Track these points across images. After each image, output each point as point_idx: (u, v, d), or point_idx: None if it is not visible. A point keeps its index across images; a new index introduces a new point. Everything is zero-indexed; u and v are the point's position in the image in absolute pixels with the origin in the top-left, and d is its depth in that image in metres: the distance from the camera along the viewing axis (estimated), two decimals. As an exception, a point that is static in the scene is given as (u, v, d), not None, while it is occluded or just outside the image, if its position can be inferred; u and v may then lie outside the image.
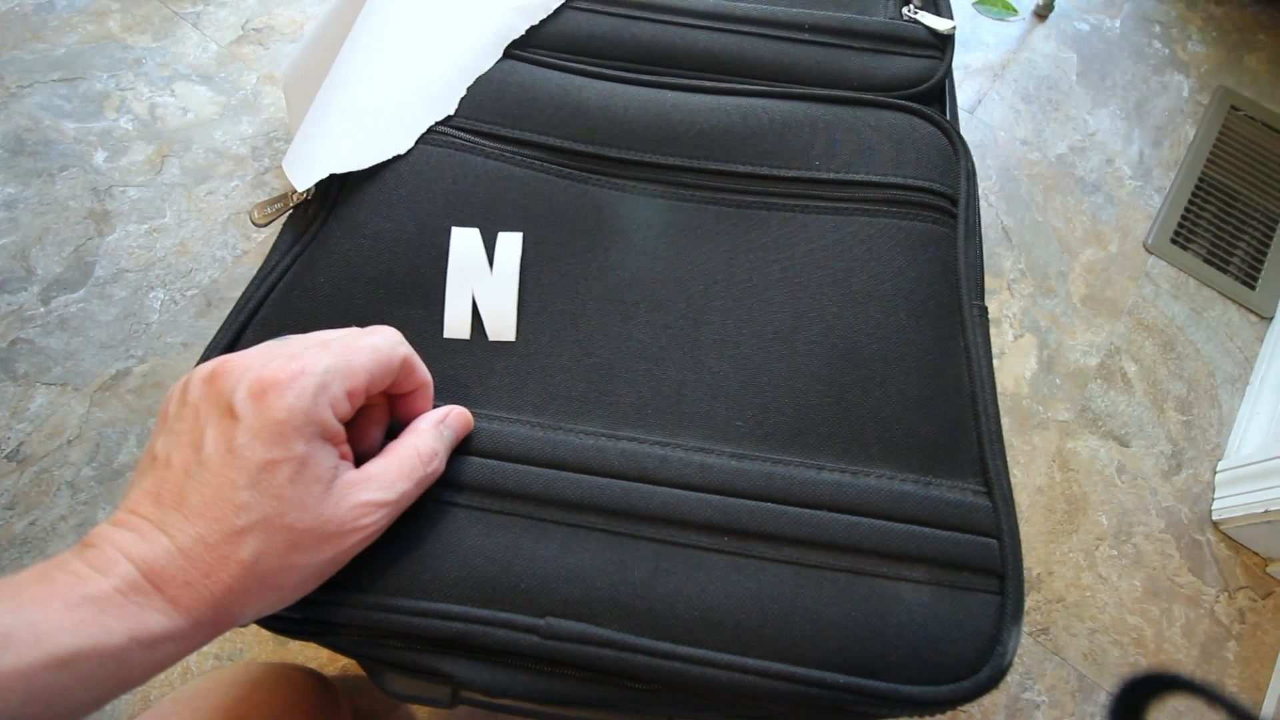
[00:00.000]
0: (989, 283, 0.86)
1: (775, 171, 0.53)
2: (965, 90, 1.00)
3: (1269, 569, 0.75)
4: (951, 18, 0.61)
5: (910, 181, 0.52)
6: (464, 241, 0.48)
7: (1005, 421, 0.79)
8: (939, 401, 0.45)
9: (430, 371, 0.41)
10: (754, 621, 0.37)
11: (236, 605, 0.24)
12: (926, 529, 0.40)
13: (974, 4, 1.09)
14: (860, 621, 0.37)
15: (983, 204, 0.92)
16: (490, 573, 0.38)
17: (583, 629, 0.37)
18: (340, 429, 0.29)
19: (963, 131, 0.96)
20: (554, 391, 0.45)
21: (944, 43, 0.60)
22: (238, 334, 0.45)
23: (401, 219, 0.48)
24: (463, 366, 0.45)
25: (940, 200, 0.52)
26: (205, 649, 0.66)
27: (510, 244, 0.49)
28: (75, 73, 0.91)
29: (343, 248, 0.48)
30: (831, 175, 0.53)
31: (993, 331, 0.83)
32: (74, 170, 0.84)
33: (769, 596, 0.38)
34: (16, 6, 0.95)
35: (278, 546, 0.25)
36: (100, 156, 0.85)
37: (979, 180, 0.90)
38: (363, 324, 0.46)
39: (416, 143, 0.51)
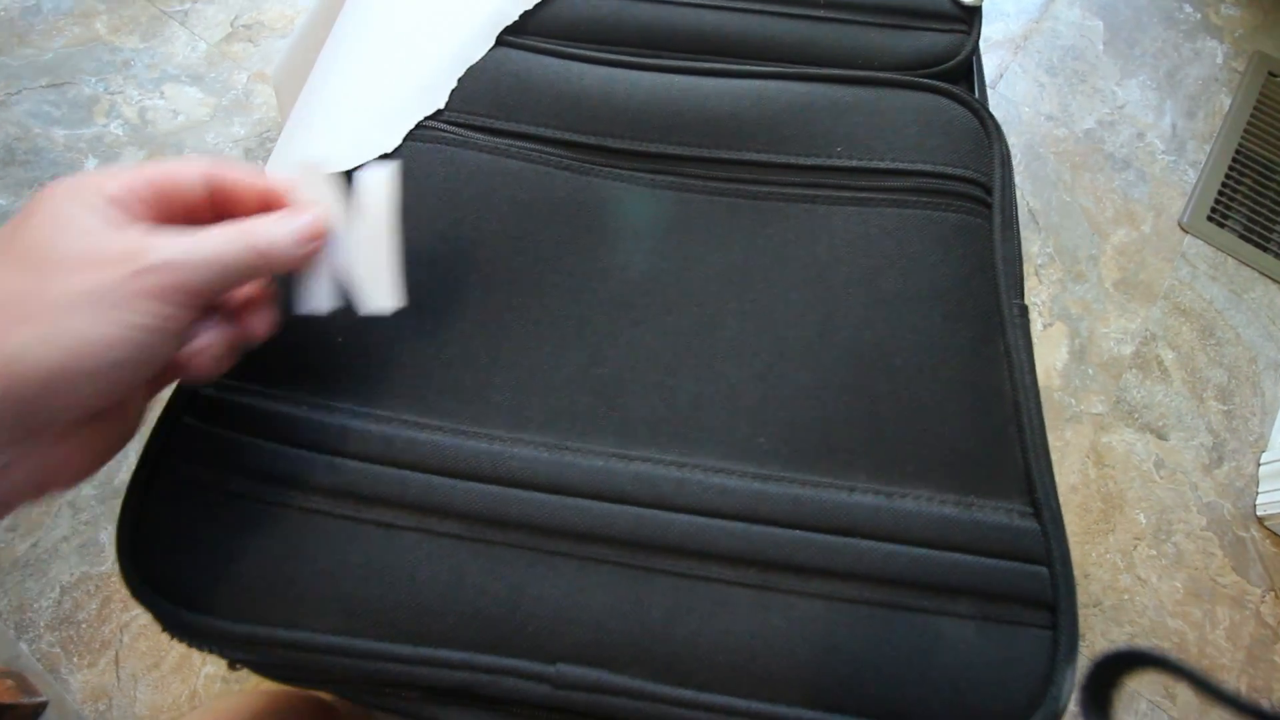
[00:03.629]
0: (1015, 269, 0.82)
1: (793, 160, 0.49)
2: (986, 64, 0.95)
3: (1319, 565, 0.71)
4: (977, -12, 0.57)
5: (940, 169, 0.48)
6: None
7: (1036, 416, 0.75)
8: (980, 412, 0.41)
9: (413, 385, 0.38)
10: (784, 665, 0.34)
11: None
12: (970, 557, 0.37)
13: (993, -28, 1.03)
14: (901, 663, 0.34)
15: (1007, 185, 0.87)
16: (495, 614, 0.35)
17: (597, 676, 0.34)
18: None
19: (986, 109, 0.91)
20: (560, 407, 0.41)
21: (970, 15, 0.55)
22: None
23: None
24: (459, 378, 0.42)
25: (974, 189, 0.48)
26: (209, 671, 0.64)
27: (375, 180, 0.37)
28: (63, 78, 0.88)
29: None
30: (855, 163, 0.49)
31: (1021, 320, 0.79)
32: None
33: (800, 636, 0.35)
34: (3, 11, 0.92)
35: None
36: (91, 164, 0.82)
37: (1004, 161, 0.85)
38: (353, 340, 0.43)
39: (404, 140, 0.48)
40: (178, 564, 0.35)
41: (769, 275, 0.45)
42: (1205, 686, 0.30)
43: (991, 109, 0.94)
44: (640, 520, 0.37)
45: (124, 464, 0.69)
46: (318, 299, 0.35)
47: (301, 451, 0.38)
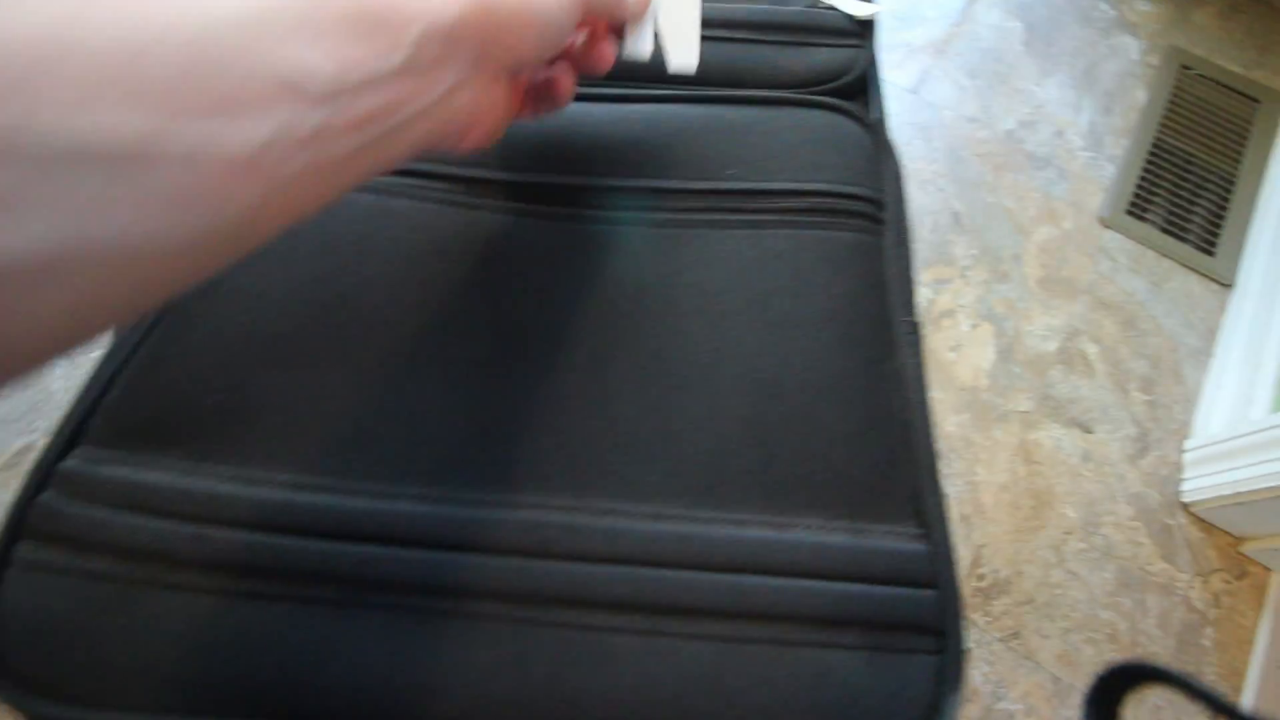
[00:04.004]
0: (942, 271, 0.83)
1: (686, 185, 0.49)
2: (908, 69, 0.96)
3: (1242, 548, 0.72)
4: (873, 1, 0.57)
5: (833, 187, 0.48)
6: None
7: (964, 417, 0.75)
8: (869, 435, 0.41)
9: (289, 443, 0.37)
10: (671, 714, 0.33)
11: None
12: (860, 585, 0.36)
13: (912, -24, 1.05)
14: (790, 702, 0.34)
15: (931, 188, 0.88)
16: (371, 684, 0.34)
17: (477, 742, 0.33)
18: None
19: (908, 112, 0.92)
20: (445, 455, 0.40)
21: (865, 29, 0.55)
22: (84, 416, 0.40)
23: (266, 271, 0.43)
24: (340, 432, 0.40)
25: (866, 206, 0.48)
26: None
27: None
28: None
29: (202, 311, 0.43)
30: (748, 185, 0.49)
31: (948, 322, 0.80)
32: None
33: (688, 682, 0.34)
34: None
35: None
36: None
37: (927, 163, 0.86)
38: (228, 397, 0.41)
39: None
40: (40, 655, 0.33)
41: (663, 305, 0.45)
42: (1214, 703, 0.30)
43: (915, 113, 0.96)
44: (524, 571, 0.36)
45: None
46: (642, 47, 0.40)
47: (168, 523, 0.36)
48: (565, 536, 0.37)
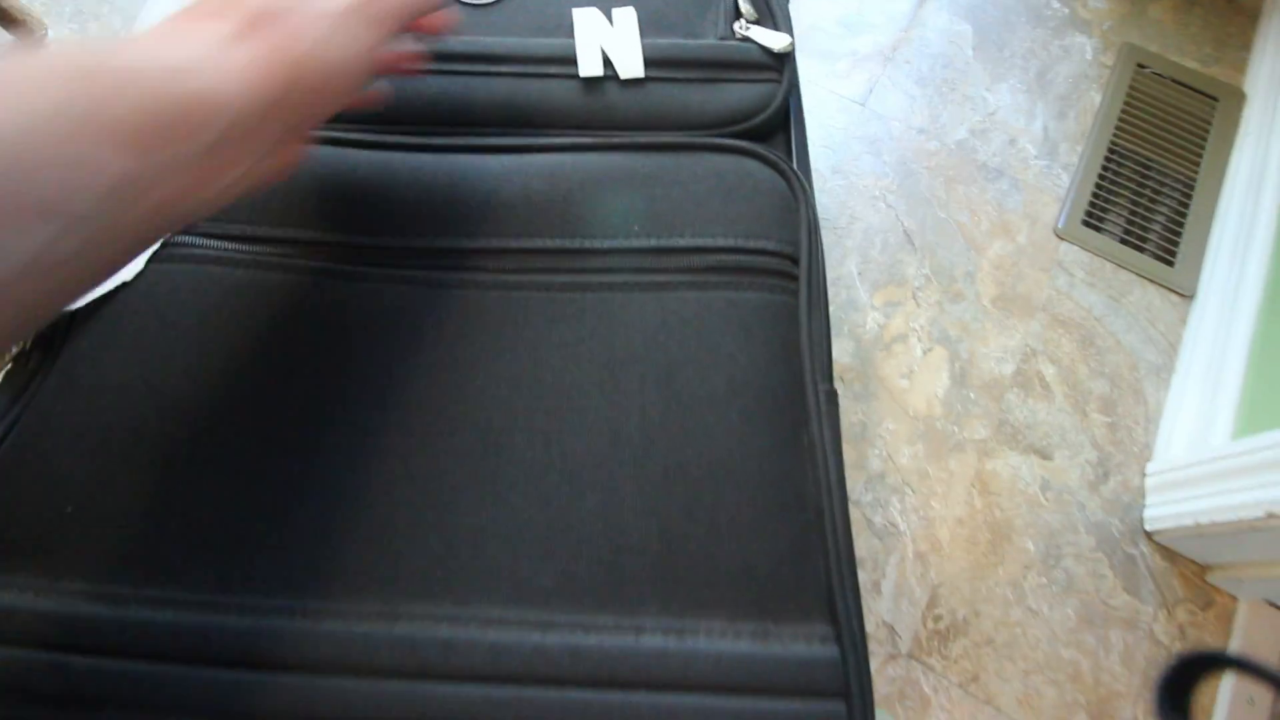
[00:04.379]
0: (893, 293, 0.80)
1: (588, 244, 0.45)
2: (855, 79, 0.92)
3: (1208, 577, 0.70)
4: (790, 32, 0.53)
5: (742, 243, 0.45)
6: (585, 16, 0.52)
7: (918, 448, 0.73)
8: (778, 523, 0.38)
9: (154, 553, 0.35)
10: None
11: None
12: (763, 701, 0.33)
13: (859, -18, 1.01)
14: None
15: (881, 205, 0.85)
16: None
17: None
18: None
19: (856, 125, 0.89)
20: (323, 562, 0.37)
21: (781, 62, 0.52)
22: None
23: (127, 363, 0.40)
24: (209, 539, 0.37)
25: (779, 261, 0.45)
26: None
27: (627, 13, 0.52)
28: None
29: (58, 410, 0.39)
30: (653, 242, 0.45)
31: (900, 348, 0.77)
32: None
33: (570, 820, 0.31)
34: None
35: None
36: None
37: (876, 179, 0.83)
38: (89, 502, 0.38)
39: (148, 262, 0.42)
40: None
41: (561, 380, 0.41)
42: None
43: (863, 126, 0.91)
44: (399, 697, 0.33)
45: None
46: (593, 68, 0.48)
47: (22, 652, 0.33)
48: (443, 655, 0.34)
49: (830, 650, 0.35)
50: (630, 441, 0.39)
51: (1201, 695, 0.66)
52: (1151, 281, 0.83)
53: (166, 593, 0.35)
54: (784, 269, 0.45)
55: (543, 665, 0.34)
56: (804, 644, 0.35)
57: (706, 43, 0.52)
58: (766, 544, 0.37)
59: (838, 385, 0.71)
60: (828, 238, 0.82)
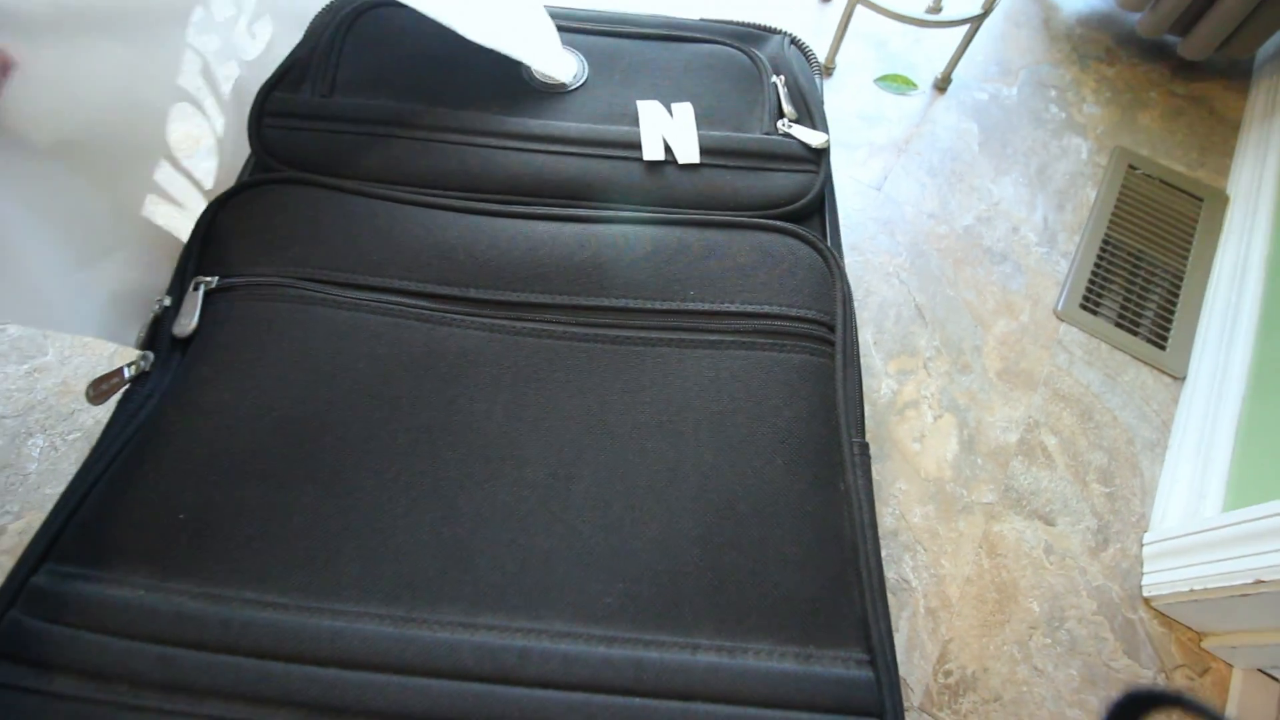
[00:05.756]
0: (906, 362, 0.86)
1: (649, 305, 0.52)
2: (872, 166, 1.01)
3: (1204, 644, 0.73)
4: (826, 131, 0.61)
5: (786, 311, 0.51)
6: (649, 108, 0.60)
7: (930, 508, 0.77)
8: (819, 557, 0.42)
9: (256, 560, 0.39)
10: None
11: None
12: (805, 715, 0.37)
13: (875, 80, 1.12)
14: (733, 836, 0.34)
15: (895, 281, 0.92)
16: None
17: None
18: None
19: (872, 208, 0.97)
20: (408, 574, 0.41)
21: (818, 156, 0.60)
22: (57, 532, 0.41)
23: (237, 389, 0.45)
24: (307, 549, 0.41)
25: (818, 329, 0.51)
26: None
27: (685, 108, 0.61)
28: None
29: (176, 427, 0.44)
30: (707, 306, 0.52)
31: (912, 413, 0.82)
32: (-57, 310, 0.79)
33: (636, 815, 0.35)
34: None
35: None
36: (-25, 291, 0.81)
37: (890, 257, 0.91)
38: (198, 514, 0.43)
39: (258, 300, 0.48)
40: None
41: (624, 421, 0.47)
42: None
43: (879, 209, 1.01)
44: (481, 699, 0.37)
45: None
46: (656, 153, 0.58)
47: (132, 644, 0.37)
48: (520, 663, 0.38)
49: (866, 673, 0.39)
50: (687, 479, 0.44)
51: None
52: (1145, 363, 0.89)
53: (265, 596, 0.40)
54: (822, 335, 0.51)
55: (611, 675, 0.38)
56: (842, 667, 0.39)
57: (754, 136, 0.60)
58: (808, 576, 0.42)
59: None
60: (845, 308, 0.89)
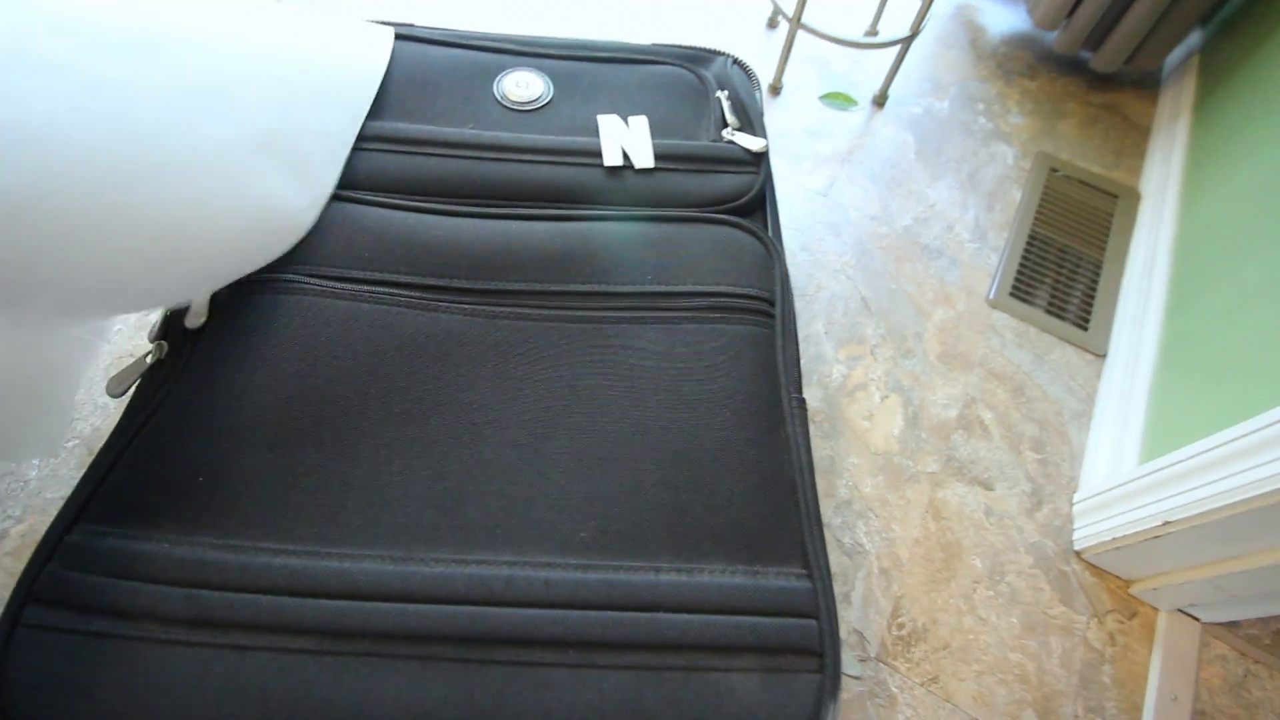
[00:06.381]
0: (854, 349, 0.93)
1: (612, 288, 0.58)
2: (819, 175, 1.10)
3: (1131, 590, 0.81)
4: (765, 136, 0.69)
5: (732, 289, 0.59)
6: (608, 121, 0.67)
7: (879, 479, 0.84)
8: (763, 492, 0.49)
9: (270, 515, 0.44)
10: (596, 735, 0.39)
11: None
12: (754, 618, 0.44)
13: (820, 98, 1.21)
14: (698, 718, 0.40)
15: (843, 277, 1.00)
16: (340, 721, 0.39)
17: (427, 763, 0.38)
18: None
19: (820, 212, 1.05)
20: (405, 522, 0.47)
21: (758, 159, 0.68)
22: (88, 497, 0.46)
23: (248, 369, 0.51)
24: (315, 504, 0.47)
25: (760, 304, 0.59)
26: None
27: (640, 120, 0.68)
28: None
29: (193, 404, 0.50)
30: (663, 288, 0.59)
31: (861, 394, 0.90)
32: (-57, 329, 0.83)
33: (611, 705, 0.40)
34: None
35: None
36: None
37: (837, 255, 0.99)
38: (214, 478, 0.48)
39: (265, 294, 0.54)
40: (44, 706, 0.38)
41: (592, 388, 0.53)
42: None
43: (826, 213, 1.09)
44: (474, 618, 0.43)
45: (2, 612, 0.68)
46: (611, 158, 0.64)
47: (160, 587, 0.42)
48: (506, 587, 0.44)
49: (805, 584, 0.45)
50: (648, 433, 0.51)
51: (1131, 693, 0.75)
52: (1070, 343, 0.98)
53: (279, 545, 0.45)
54: (763, 309, 0.58)
55: (586, 594, 0.44)
56: (784, 580, 0.45)
57: (702, 143, 0.68)
58: (754, 508, 0.48)
59: (810, 424, 0.83)
60: (798, 303, 0.97)
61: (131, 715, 0.39)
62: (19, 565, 0.71)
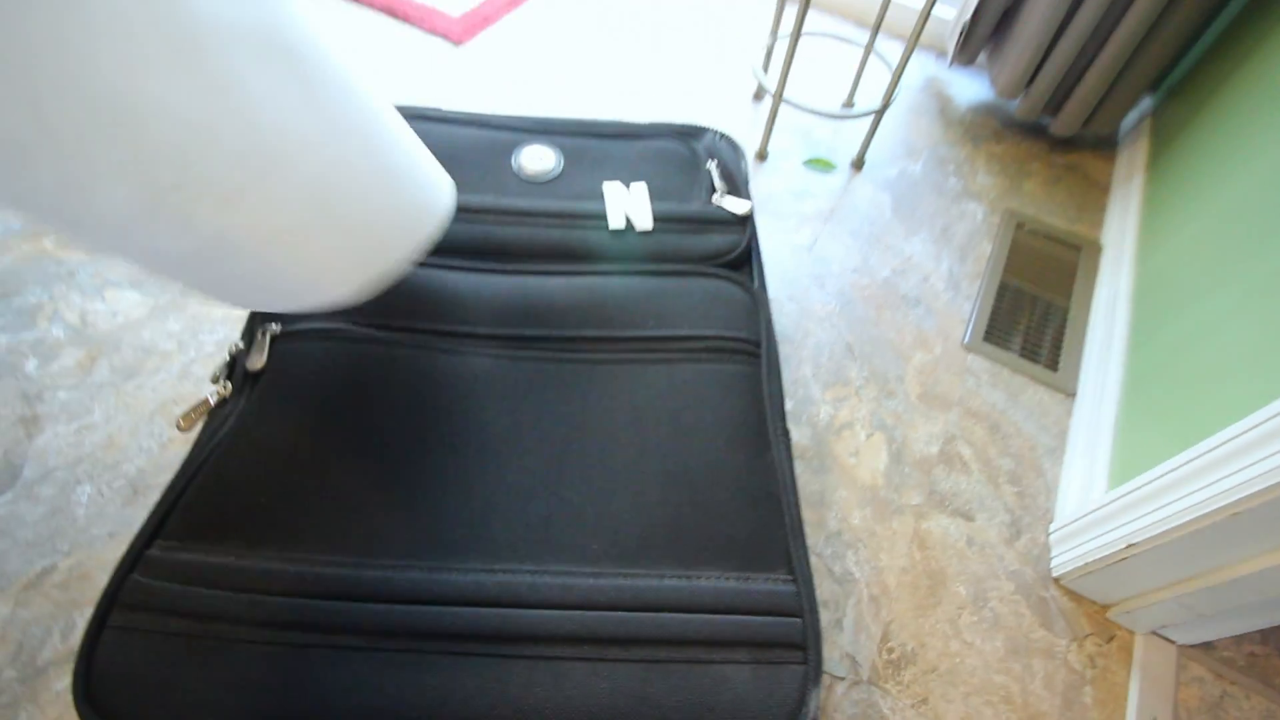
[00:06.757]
0: (840, 391, 1.01)
1: (617, 333, 0.66)
2: (803, 233, 1.20)
3: (1108, 614, 0.86)
4: (750, 200, 0.79)
5: (722, 333, 0.66)
6: (612, 188, 0.76)
7: (867, 511, 0.90)
8: (752, 509, 0.56)
9: (322, 532, 0.50)
10: (607, 717, 0.45)
11: None
12: (745, 617, 0.50)
13: (803, 163, 1.33)
14: (696, 705, 0.46)
15: (828, 324, 1.08)
16: (384, 707, 0.45)
17: (465, 742, 0.44)
18: None
19: (805, 266, 1.14)
20: (439, 537, 0.53)
21: (744, 220, 0.77)
22: (164, 517, 0.52)
23: (305, 404, 0.58)
24: (361, 523, 0.53)
25: (747, 345, 0.66)
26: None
27: (640, 187, 0.77)
28: (9, 290, 1.00)
29: (253, 437, 0.57)
30: (662, 332, 0.66)
31: (847, 433, 0.96)
32: (5, 380, 0.90)
33: (621, 693, 0.46)
34: (-48, 235, 1.05)
35: None
36: (31, 364, 0.92)
37: (822, 305, 1.07)
38: (274, 500, 0.54)
39: (316, 341, 0.62)
40: (129, 698, 0.44)
41: (601, 420, 0.61)
42: None
43: (810, 266, 1.19)
44: (503, 618, 0.49)
45: (47, 643, 0.73)
46: (615, 221, 0.73)
47: (229, 594, 0.48)
48: (530, 591, 0.50)
49: (790, 588, 0.51)
50: (651, 457, 0.58)
51: (1112, 714, 0.79)
52: (1041, 383, 1.06)
53: (331, 557, 0.51)
54: (750, 350, 0.66)
55: (598, 597, 0.50)
56: (771, 584, 0.52)
57: (695, 207, 0.77)
58: (744, 523, 0.55)
59: (799, 460, 0.90)
60: (787, 349, 1.05)
61: (205, 704, 0.44)
62: (67, 597, 0.77)
